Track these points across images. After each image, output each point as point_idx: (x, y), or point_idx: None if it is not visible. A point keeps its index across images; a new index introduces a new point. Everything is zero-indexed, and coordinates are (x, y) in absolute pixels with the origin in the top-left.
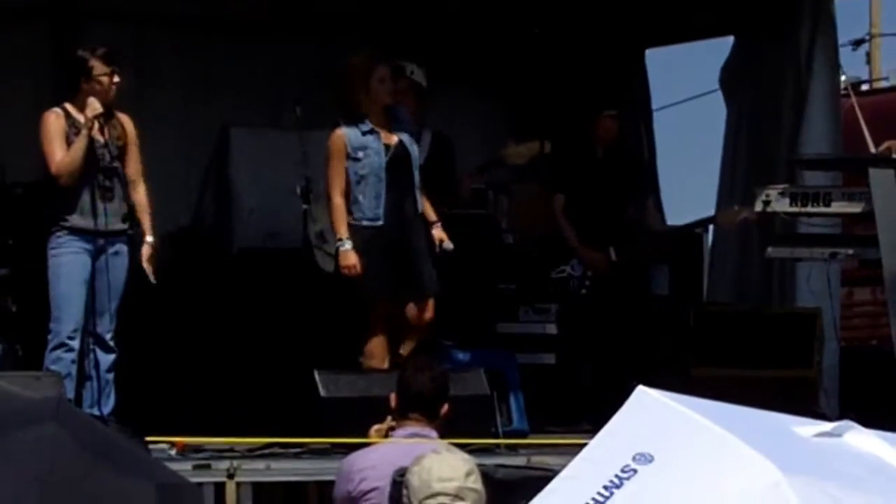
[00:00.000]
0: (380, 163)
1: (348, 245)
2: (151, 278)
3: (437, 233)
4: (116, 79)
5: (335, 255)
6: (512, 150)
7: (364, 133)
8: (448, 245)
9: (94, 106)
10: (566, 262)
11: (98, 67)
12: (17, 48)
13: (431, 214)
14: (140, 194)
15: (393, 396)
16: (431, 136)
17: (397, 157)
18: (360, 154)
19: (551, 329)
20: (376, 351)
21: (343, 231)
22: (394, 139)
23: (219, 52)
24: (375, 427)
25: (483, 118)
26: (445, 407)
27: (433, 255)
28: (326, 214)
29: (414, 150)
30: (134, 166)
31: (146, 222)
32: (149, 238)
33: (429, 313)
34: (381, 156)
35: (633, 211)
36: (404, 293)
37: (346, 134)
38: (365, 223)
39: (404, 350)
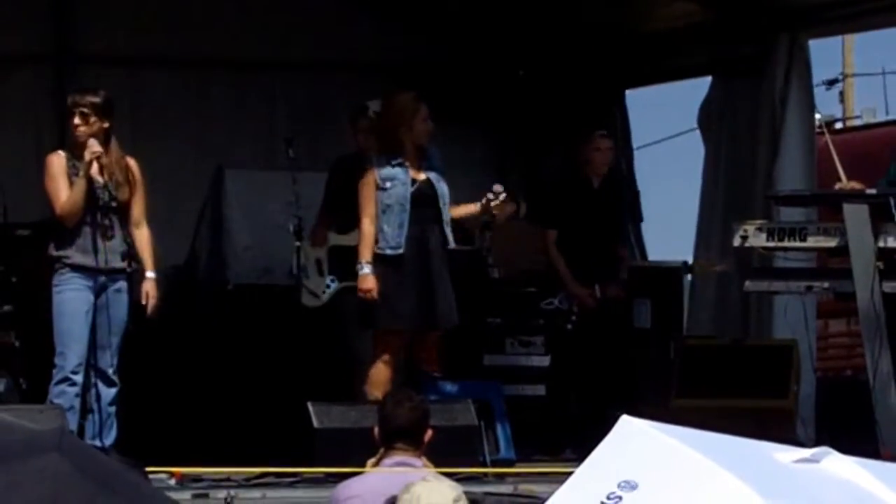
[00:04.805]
0: (404, 193)
1: (367, 269)
2: (149, 310)
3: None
4: (77, 121)
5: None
6: None
7: (394, 165)
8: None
9: (94, 148)
10: (554, 295)
11: (70, 113)
12: (18, 91)
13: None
14: (143, 233)
15: (376, 429)
16: None
17: (423, 192)
18: (388, 185)
19: (536, 361)
20: (380, 380)
21: (367, 256)
22: (422, 175)
23: (214, 94)
24: (370, 461)
25: (469, 156)
26: (428, 433)
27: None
28: (315, 252)
29: (442, 187)
30: (139, 208)
31: (148, 259)
32: (150, 273)
33: (432, 346)
34: (406, 187)
35: (619, 247)
36: (417, 325)
37: (375, 165)
38: (388, 251)
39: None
